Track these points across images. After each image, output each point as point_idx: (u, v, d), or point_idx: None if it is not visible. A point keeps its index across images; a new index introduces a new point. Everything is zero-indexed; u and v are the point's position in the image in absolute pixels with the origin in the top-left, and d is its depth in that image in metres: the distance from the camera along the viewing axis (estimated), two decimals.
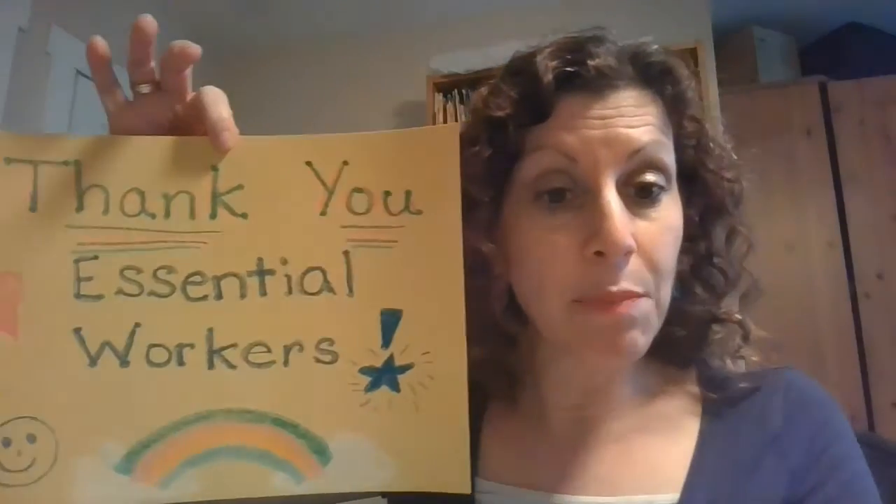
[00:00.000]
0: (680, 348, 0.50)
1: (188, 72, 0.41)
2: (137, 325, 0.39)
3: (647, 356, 0.45)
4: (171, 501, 0.39)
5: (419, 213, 0.41)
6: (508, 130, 0.43)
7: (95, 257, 0.39)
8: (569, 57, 0.43)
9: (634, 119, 0.42)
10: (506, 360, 0.50)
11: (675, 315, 0.46)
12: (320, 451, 0.40)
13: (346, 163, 0.41)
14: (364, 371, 0.40)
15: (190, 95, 0.41)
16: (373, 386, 0.40)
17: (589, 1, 1.75)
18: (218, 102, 0.40)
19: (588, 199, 0.42)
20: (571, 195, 0.42)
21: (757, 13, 2.02)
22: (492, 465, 0.49)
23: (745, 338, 0.49)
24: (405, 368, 0.40)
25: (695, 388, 0.49)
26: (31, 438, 0.38)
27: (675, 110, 0.46)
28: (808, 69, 2.03)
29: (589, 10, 1.90)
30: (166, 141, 0.40)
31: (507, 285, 0.46)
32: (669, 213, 0.43)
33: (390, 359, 0.40)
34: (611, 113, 0.42)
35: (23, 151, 0.39)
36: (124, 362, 0.39)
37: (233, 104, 0.41)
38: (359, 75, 2.16)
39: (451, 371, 0.40)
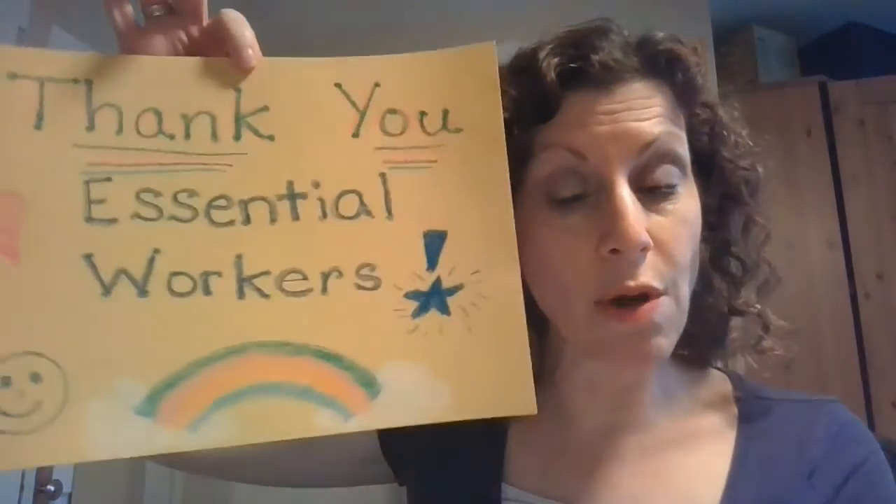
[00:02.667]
0: (700, 345, 0.48)
1: None
2: (157, 251, 0.36)
3: (671, 357, 0.43)
4: (202, 447, 0.34)
5: (458, 131, 0.38)
6: (514, 132, 0.42)
7: (108, 179, 0.36)
8: (572, 52, 0.42)
9: (643, 112, 0.41)
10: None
11: (694, 310, 0.44)
12: (368, 384, 0.36)
13: (377, 84, 0.38)
14: (410, 296, 0.37)
15: (207, 19, 0.39)
16: (421, 311, 0.37)
17: (589, 1, 1.75)
18: (240, 22, 0.37)
19: (601, 196, 0.41)
20: (583, 194, 0.41)
21: (757, 13, 2.02)
22: (517, 470, 0.48)
23: (766, 328, 0.48)
24: (454, 290, 0.38)
25: (730, 404, 0.47)
26: (36, 378, 0.33)
27: (686, 99, 0.44)
28: (808, 69, 2.02)
29: (588, 10, 1.88)
30: (185, 61, 0.37)
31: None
32: (686, 205, 0.42)
33: (437, 281, 0.38)
34: (619, 107, 0.41)
35: (28, 67, 0.35)
36: (143, 292, 0.35)
37: None
38: None
39: (505, 288, 0.38)
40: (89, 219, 0.35)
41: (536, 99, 0.42)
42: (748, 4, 2.00)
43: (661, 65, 0.43)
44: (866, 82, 1.85)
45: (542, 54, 0.43)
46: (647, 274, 0.40)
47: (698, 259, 0.44)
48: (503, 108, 0.42)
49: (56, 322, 0.34)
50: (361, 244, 0.37)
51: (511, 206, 0.38)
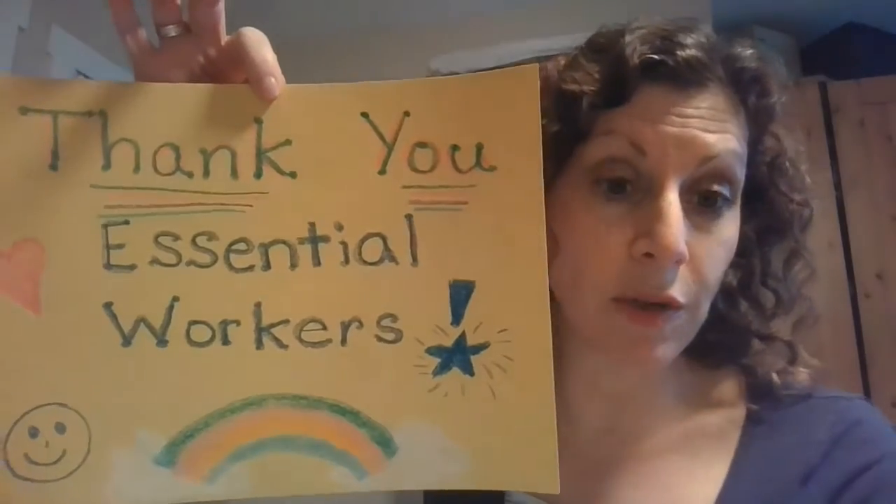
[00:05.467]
0: (718, 353, 0.47)
1: (221, 8, 0.36)
2: (175, 299, 0.35)
3: (685, 359, 0.42)
4: (219, 497, 0.35)
5: (492, 169, 0.35)
6: (581, 108, 0.40)
7: (126, 222, 0.35)
8: (658, 44, 0.40)
9: (714, 124, 0.40)
10: None
11: (718, 323, 0.43)
12: (384, 443, 0.35)
13: (407, 113, 0.36)
14: (432, 351, 0.35)
15: (225, 38, 0.37)
16: (442, 368, 0.35)
17: (589, 2, 1.74)
18: (261, 44, 0.35)
19: (648, 196, 0.39)
20: (631, 188, 0.40)
21: (757, 13, 2.02)
22: None
23: (792, 361, 0.46)
24: (479, 348, 0.35)
25: (739, 404, 0.46)
26: (61, 428, 0.34)
27: (757, 122, 0.43)
28: (808, 69, 2.02)
29: (588, 10, 1.89)
30: (202, 89, 0.35)
31: None
32: (728, 228, 0.41)
33: (462, 337, 0.35)
34: (692, 112, 0.40)
35: (40, 100, 0.34)
36: (162, 341, 0.35)
37: None
38: (359, 75, 2.15)
39: (533, 350, 0.35)
40: (108, 266, 0.35)
41: (612, 82, 0.40)
42: (748, 4, 1.99)
43: (743, 81, 0.42)
44: (866, 82, 1.85)
45: (628, 38, 0.41)
46: (676, 288, 0.39)
47: (720, 281, 0.43)
48: (575, 83, 0.41)
49: (79, 373, 0.34)
50: (384, 293, 0.36)
51: (546, 259, 0.35)
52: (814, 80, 1.89)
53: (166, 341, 0.35)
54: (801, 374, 0.46)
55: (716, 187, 0.40)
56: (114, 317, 0.35)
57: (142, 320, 0.35)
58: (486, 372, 0.35)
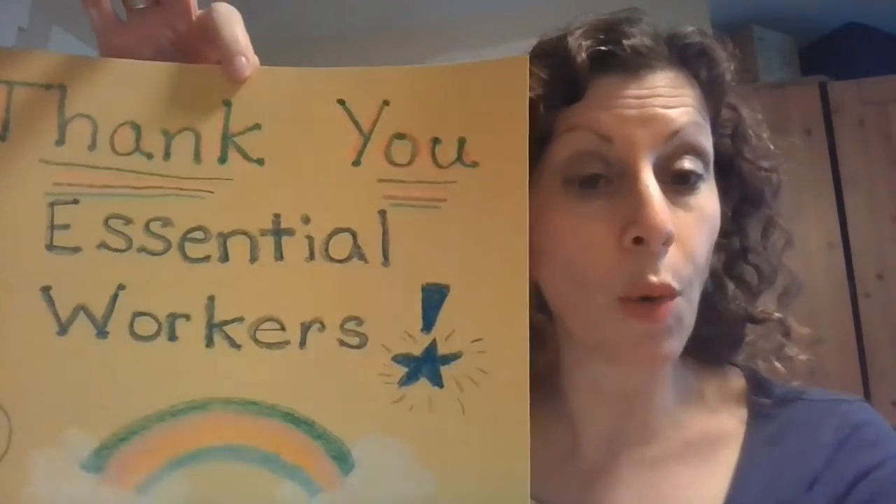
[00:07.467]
0: (715, 347, 0.46)
1: None
2: (121, 287, 0.32)
3: (682, 356, 0.42)
4: None
5: (474, 165, 0.33)
6: (539, 112, 0.40)
7: (75, 201, 0.32)
8: (602, 37, 0.41)
9: (672, 100, 0.40)
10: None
11: (710, 313, 0.43)
12: (341, 457, 0.32)
13: (386, 102, 0.34)
14: (399, 359, 0.33)
15: (196, 13, 0.35)
16: (409, 378, 0.33)
17: (588, 1, 1.74)
18: (232, 22, 0.34)
19: (623, 184, 0.39)
20: (605, 181, 0.40)
21: (757, 13, 2.01)
22: None
23: (786, 335, 0.46)
24: (450, 358, 0.33)
25: (741, 407, 0.45)
26: None
27: (712, 95, 0.43)
28: (808, 69, 2.02)
29: (588, 10, 1.88)
30: (169, 68, 0.33)
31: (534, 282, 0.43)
32: (707, 201, 0.41)
33: (432, 345, 0.33)
34: (647, 93, 0.40)
35: None
36: (102, 332, 0.32)
37: None
38: None
39: (508, 363, 0.32)
40: (51, 246, 0.32)
41: (564, 81, 0.40)
42: (748, 4, 1.99)
43: (690, 57, 0.43)
44: (866, 82, 1.84)
45: (571, 38, 0.41)
46: (669, 272, 0.38)
47: (710, 262, 0.43)
48: (529, 89, 0.40)
49: (5, 361, 0.32)
50: (350, 293, 0.33)
51: (527, 264, 0.32)
52: (814, 80, 1.88)
53: (107, 333, 0.32)
54: (800, 359, 0.46)
55: (687, 164, 0.40)
56: (51, 302, 0.32)
57: (81, 308, 0.32)
58: (456, 385, 0.33)
